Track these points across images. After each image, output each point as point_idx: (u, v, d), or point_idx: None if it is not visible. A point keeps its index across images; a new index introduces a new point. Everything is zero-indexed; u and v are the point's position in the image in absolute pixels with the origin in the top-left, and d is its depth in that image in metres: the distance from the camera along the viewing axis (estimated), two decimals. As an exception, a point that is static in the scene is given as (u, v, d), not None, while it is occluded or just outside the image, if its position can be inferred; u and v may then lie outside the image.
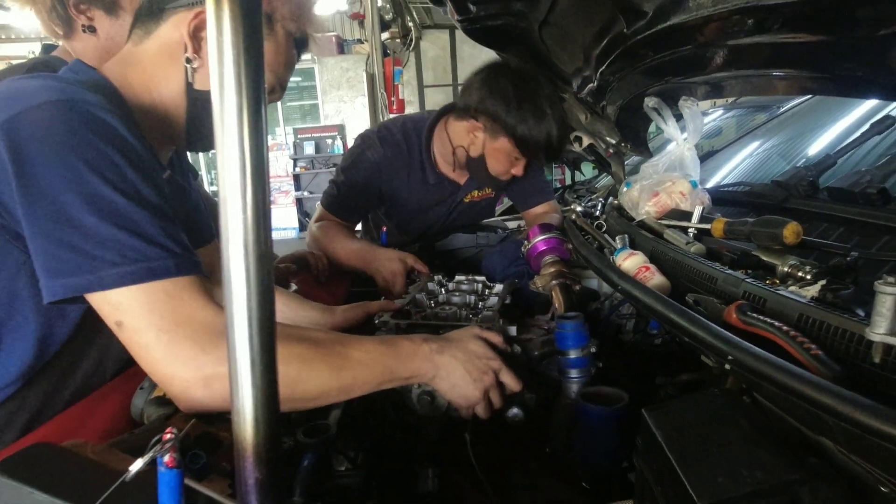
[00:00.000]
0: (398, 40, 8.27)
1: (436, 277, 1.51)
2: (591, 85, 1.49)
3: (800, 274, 0.74)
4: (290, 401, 0.80)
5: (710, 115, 2.92)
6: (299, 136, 9.81)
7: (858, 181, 0.89)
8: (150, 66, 0.92)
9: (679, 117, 1.30)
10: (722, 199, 1.24)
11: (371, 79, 6.35)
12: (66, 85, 0.79)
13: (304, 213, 10.26)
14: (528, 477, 1.06)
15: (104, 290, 0.71)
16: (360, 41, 9.09)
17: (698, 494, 0.57)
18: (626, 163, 1.94)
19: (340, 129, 9.57)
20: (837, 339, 0.59)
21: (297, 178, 10.04)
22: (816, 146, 1.55)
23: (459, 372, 0.92)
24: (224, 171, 0.43)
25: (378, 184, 1.86)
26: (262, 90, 0.43)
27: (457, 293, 1.36)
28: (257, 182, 0.43)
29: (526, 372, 1.08)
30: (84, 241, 0.70)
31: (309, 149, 9.81)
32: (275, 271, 1.72)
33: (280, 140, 10.01)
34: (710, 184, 1.63)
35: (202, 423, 0.76)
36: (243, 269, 0.44)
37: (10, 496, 0.53)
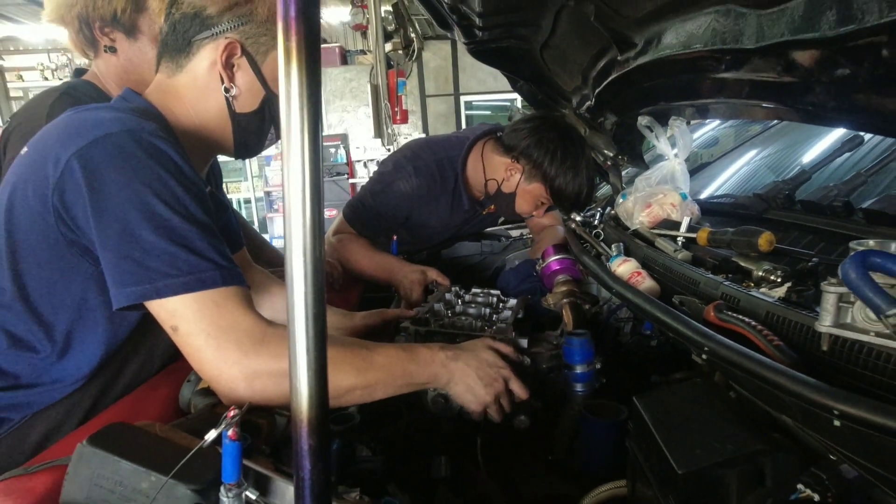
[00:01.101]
0: (400, 51, 8.41)
1: (453, 289, 1.60)
2: (588, 102, 1.60)
3: (771, 277, 0.84)
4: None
5: (706, 125, 3.02)
6: (303, 146, 9.92)
7: (827, 195, 1.00)
8: (189, 97, 1.01)
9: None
10: (710, 209, 1.34)
11: (375, 90, 6.47)
12: (126, 115, 0.89)
13: (307, 222, 10.35)
14: (530, 473, 1.16)
15: (161, 298, 0.81)
16: (363, 52, 9.24)
17: (678, 465, 0.67)
18: (623, 173, 2.05)
19: (343, 138, 9.67)
20: (796, 332, 0.69)
21: (300, 186, 10.14)
22: (803, 158, 1.65)
23: (472, 378, 1.01)
24: (289, 194, 0.53)
25: (406, 212, 1.93)
26: (319, 128, 0.53)
27: (472, 305, 1.45)
28: (315, 205, 0.54)
29: (534, 382, 1.17)
30: (144, 255, 0.80)
31: (311, 158, 9.91)
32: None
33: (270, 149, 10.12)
34: (705, 194, 1.74)
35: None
36: (302, 270, 0.54)
37: (98, 463, 0.63)
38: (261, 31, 0.98)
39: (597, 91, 1.45)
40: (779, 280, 0.81)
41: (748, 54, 0.70)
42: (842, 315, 0.60)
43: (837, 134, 1.57)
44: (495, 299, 1.53)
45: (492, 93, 11.04)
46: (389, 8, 7.31)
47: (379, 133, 7.10)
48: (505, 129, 1.94)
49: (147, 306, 0.84)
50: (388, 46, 7.24)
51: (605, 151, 1.97)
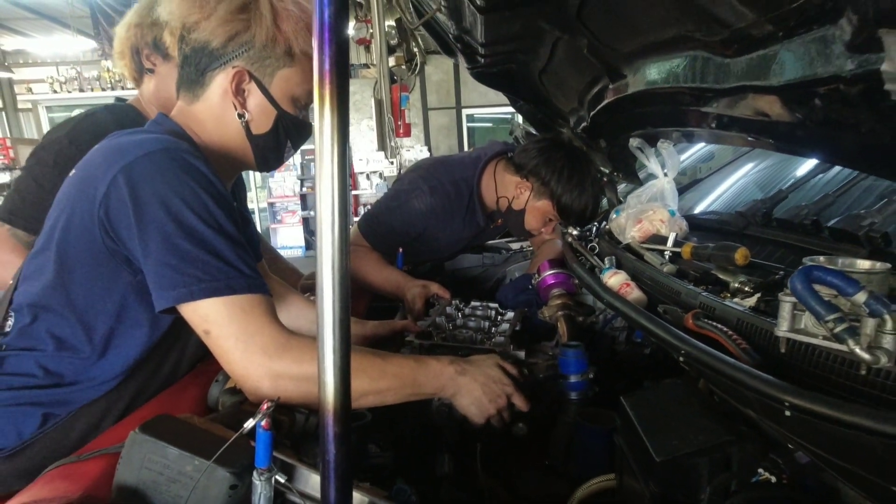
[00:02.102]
0: (403, 65, 8.54)
1: (453, 302, 1.70)
2: (584, 123, 1.70)
3: (745, 288, 0.93)
4: None
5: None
6: (306, 158, 10.05)
7: (799, 213, 1.09)
8: (209, 123, 1.10)
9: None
10: (697, 225, 1.43)
11: (379, 104, 6.60)
12: (163, 136, 0.99)
13: (310, 233, 10.47)
14: (527, 476, 1.24)
15: (195, 300, 0.91)
16: (366, 66, 9.39)
17: (657, 453, 0.76)
18: (619, 189, 2.15)
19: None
20: (762, 336, 0.78)
21: (303, 197, 10.28)
22: (790, 174, 1.75)
23: (477, 393, 1.09)
24: (321, 217, 0.62)
25: (420, 229, 2.02)
26: (347, 160, 0.63)
27: (472, 318, 1.54)
28: (342, 226, 0.63)
29: (531, 391, 1.25)
30: (180, 262, 0.90)
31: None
32: (303, 286, 1.93)
33: (287, 161, 10.26)
34: (699, 208, 1.83)
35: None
36: (331, 279, 0.64)
37: (148, 449, 0.73)
38: (264, 54, 1.05)
39: (592, 114, 1.55)
40: (750, 291, 0.90)
41: (717, 93, 0.80)
42: (796, 321, 0.69)
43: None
44: (494, 312, 1.62)
45: (493, 106, 11.17)
46: (393, 23, 7.46)
47: (382, 146, 7.22)
48: (516, 150, 2.04)
49: (182, 312, 0.93)
50: (392, 61, 7.38)
51: (602, 168, 2.07)
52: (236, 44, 1.04)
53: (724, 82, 0.75)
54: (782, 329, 0.70)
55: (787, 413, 0.63)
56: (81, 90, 10.31)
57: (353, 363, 1.00)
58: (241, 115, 1.08)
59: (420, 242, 2.07)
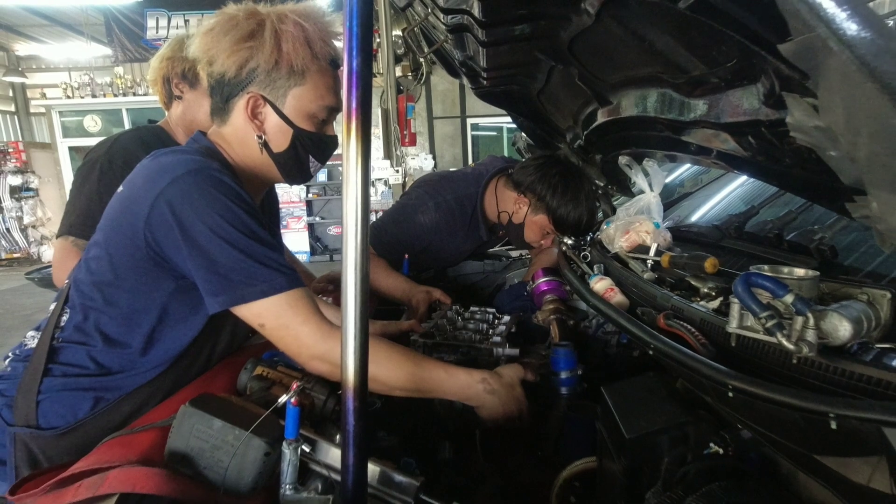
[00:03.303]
0: (409, 75, 8.68)
1: (454, 307, 1.83)
2: (579, 141, 1.84)
3: (711, 293, 1.06)
4: (377, 383, 1.12)
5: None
6: (312, 164, 10.22)
7: (764, 227, 1.22)
8: (235, 144, 1.22)
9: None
10: (679, 237, 1.56)
11: (385, 114, 6.75)
12: (195, 157, 1.11)
13: (314, 238, 10.64)
14: (521, 464, 1.36)
15: (245, 303, 1.04)
16: (373, 75, 9.53)
17: (627, 431, 0.89)
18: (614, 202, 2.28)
19: (353, 157, 9.96)
20: (720, 334, 0.91)
21: (309, 203, 10.46)
22: (767, 192, 1.88)
23: (498, 410, 1.22)
24: (347, 225, 0.76)
25: (425, 243, 2.16)
26: (369, 180, 0.77)
27: (472, 321, 1.68)
28: (364, 234, 0.77)
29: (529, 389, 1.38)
30: (227, 269, 1.03)
31: (321, 176, 10.23)
32: (314, 289, 2.07)
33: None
34: (693, 219, 1.96)
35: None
36: (353, 278, 0.77)
37: (196, 420, 0.86)
38: (273, 76, 1.14)
39: (585, 132, 1.69)
40: (714, 295, 1.03)
41: (684, 124, 0.93)
42: (743, 319, 0.82)
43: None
44: (491, 316, 1.76)
45: (497, 116, 11.33)
46: (399, 32, 7.63)
47: (388, 154, 7.37)
48: (515, 167, 2.18)
49: (236, 312, 1.07)
50: (398, 70, 7.53)
51: (597, 182, 2.21)
52: (247, 71, 1.13)
53: (687, 116, 0.89)
54: (732, 326, 0.83)
55: (731, 394, 0.76)
56: (94, 96, 10.52)
57: (397, 358, 1.15)
58: (259, 137, 1.18)
59: (425, 254, 2.20)
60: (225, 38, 1.11)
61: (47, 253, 11.03)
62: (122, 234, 1.10)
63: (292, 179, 1.26)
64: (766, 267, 0.84)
